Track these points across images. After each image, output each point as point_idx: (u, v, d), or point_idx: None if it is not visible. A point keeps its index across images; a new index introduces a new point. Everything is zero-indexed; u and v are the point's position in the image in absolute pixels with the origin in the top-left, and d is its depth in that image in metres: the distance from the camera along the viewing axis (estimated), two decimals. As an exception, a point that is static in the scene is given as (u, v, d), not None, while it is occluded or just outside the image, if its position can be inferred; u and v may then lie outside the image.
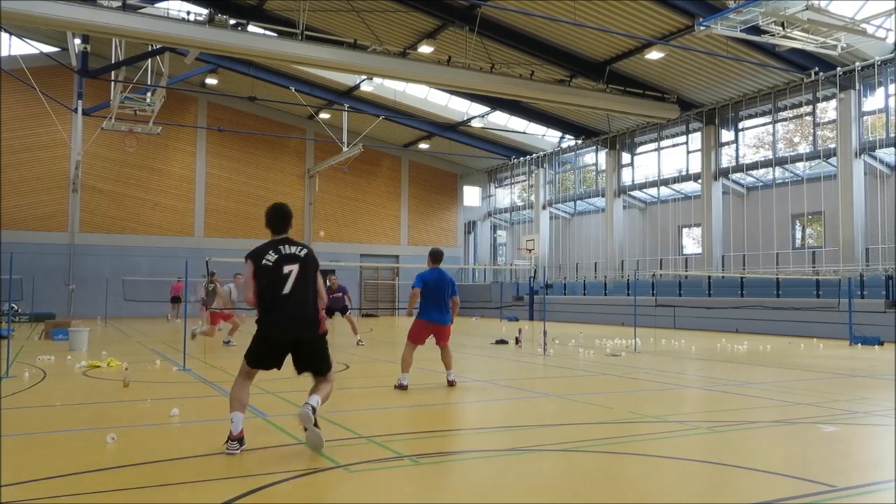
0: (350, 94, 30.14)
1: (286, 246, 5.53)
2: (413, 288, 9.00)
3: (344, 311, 15.87)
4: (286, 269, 5.41)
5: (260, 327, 5.40)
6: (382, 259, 36.13)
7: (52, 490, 4.30)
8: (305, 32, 18.25)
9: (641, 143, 29.54)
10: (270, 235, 5.66)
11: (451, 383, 8.93)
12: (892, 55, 19.97)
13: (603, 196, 30.73)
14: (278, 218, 5.66)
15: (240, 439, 5.21)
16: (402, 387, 8.57)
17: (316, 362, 5.51)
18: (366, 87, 28.79)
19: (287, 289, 5.36)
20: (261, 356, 5.45)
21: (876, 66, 20.36)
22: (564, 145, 33.16)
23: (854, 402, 7.85)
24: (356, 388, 9.30)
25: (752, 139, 25.73)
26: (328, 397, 5.48)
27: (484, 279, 38.58)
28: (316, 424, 5.17)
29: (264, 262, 5.40)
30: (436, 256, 9.22)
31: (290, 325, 5.35)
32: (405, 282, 34.73)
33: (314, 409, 5.19)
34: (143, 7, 18.09)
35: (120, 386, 8.62)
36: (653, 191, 28.99)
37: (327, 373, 5.53)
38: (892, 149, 20.56)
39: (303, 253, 5.57)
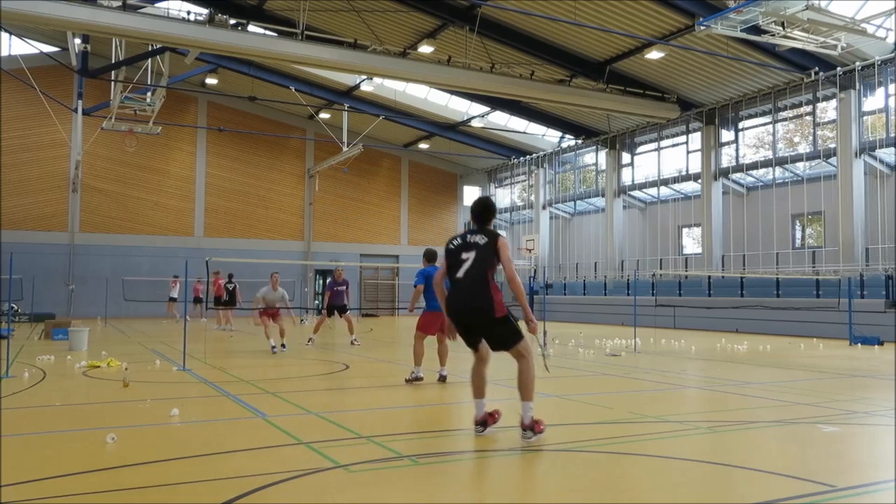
0: (350, 93, 30.14)
1: (471, 235, 5.81)
2: (415, 286, 9.13)
3: (343, 309, 15.81)
4: (464, 255, 5.70)
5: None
6: (382, 259, 36.13)
7: (52, 490, 4.30)
8: (305, 32, 18.26)
9: (641, 143, 29.54)
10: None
11: (442, 378, 9.00)
12: (892, 55, 19.97)
13: (603, 196, 30.73)
14: (476, 210, 6.04)
15: (483, 423, 5.79)
16: (417, 379, 8.74)
17: (494, 343, 5.76)
18: (366, 87, 28.79)
19: (461, 273, 5.66)
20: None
21: (876, 66, 20.36)
22: (564, 145, 33.16)
23: (854, 402, 7.85)
24: (356, 388, 9.30)
25: (752, 139, 25.73)
26: (530, 384, 5.67)
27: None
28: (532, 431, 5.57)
29: (449, 245, 5.87)
30: (430, 256, 9.42)
31: (459, 309, 5.71)
32: (405, 282, 34.72)
33: (525, 427, 5.57)
34: (143, 7, 18.09)
35: (120, 386, 8.62)
36: (653, 191, 28.99)
37: (511, 349, 5.69)
38: (892, 149, 20.56)
39: (483, 241, 5.72)
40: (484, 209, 6.00)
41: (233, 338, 17.86)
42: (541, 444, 5.78)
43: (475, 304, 5.61)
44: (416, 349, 9.07)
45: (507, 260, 5.68)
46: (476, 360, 5.98)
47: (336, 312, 15.86)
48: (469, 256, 5.67)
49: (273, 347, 14.02)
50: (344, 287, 15.83)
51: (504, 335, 5.68)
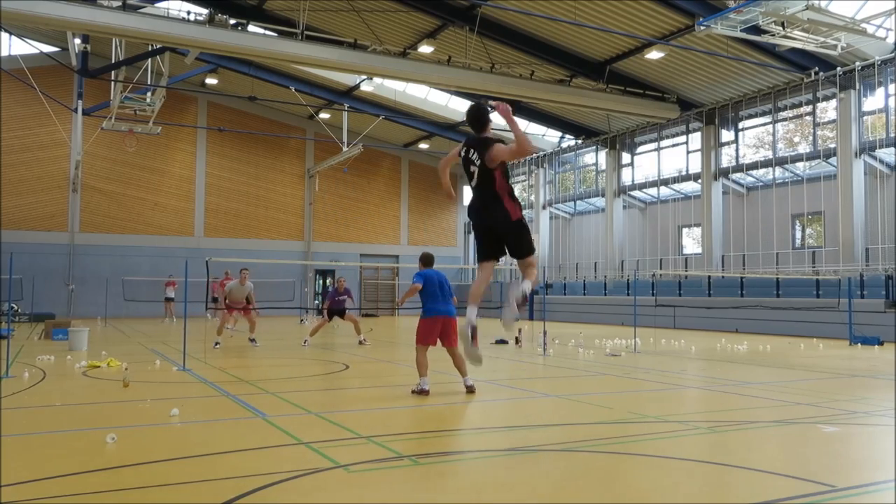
0: (350, 93, 30.14)
1: (472, 150, 5.91)
2: (413, 283, 8.73)
3: (342, 313, 15.86)
4: (471, 168, 5.83)
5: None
6: (382, 259, 36.13)
7: (52, 490, 4.30)
8: (305, 32, 18.26)
9: (641, 143, 29.54)
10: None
11: (469, 389, 8.32)
12: (892, 55, 19.96)
13: (603, 196, 30.73)
14: (468, 119, 6.09)
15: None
16: (423, 391, 8.14)
17: (513, 248, 5.77)
18: (366, 87, 28.79)
19: (473, 183, 5.81)
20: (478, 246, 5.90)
21: (876, 66, 20.36)
22: (564, 145, 33.16)
23: (854, 402, 7.85)
24: (356, 388, 9.30)
25: (752, 139, 25.73)
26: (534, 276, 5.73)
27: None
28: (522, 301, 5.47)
29: (461, 153, 5.93)
30: (426, 260, 9.04)
31: (478, 211, 5.79)
32: (405, 282, 34.73)
33: (525, 293, 5.46)
34: (143, 7, 18.09)
35: (120, 386, 8.62)
36: (653, 191, 28.98)
37: (526, 257, 5.72)
38: (892, 149, 20.56)
39: (478, 161, 5.83)
40: (474, 120, 6.08)
41: (233, 338, 17.86)
42: (541, 444, 5.78)
43: (493, 216, 5.73)
44: (418, 361, 8.45)
45: (506, 150, 5.86)
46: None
47: (337, 316, 15.92)
48: (475, 170, 5.83)
49: (216, 343, 14.14)
50: (345, 297, 15.82)
51: (521, 238, 5.77)
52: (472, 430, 6.65)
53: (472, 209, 5.83)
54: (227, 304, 15.60)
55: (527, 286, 5.58)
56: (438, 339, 8.58)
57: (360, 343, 15.54)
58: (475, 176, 5.80)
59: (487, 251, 5.75)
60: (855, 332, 16.84)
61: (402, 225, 37.22)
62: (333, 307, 15.80)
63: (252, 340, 15.25)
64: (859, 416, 7.00)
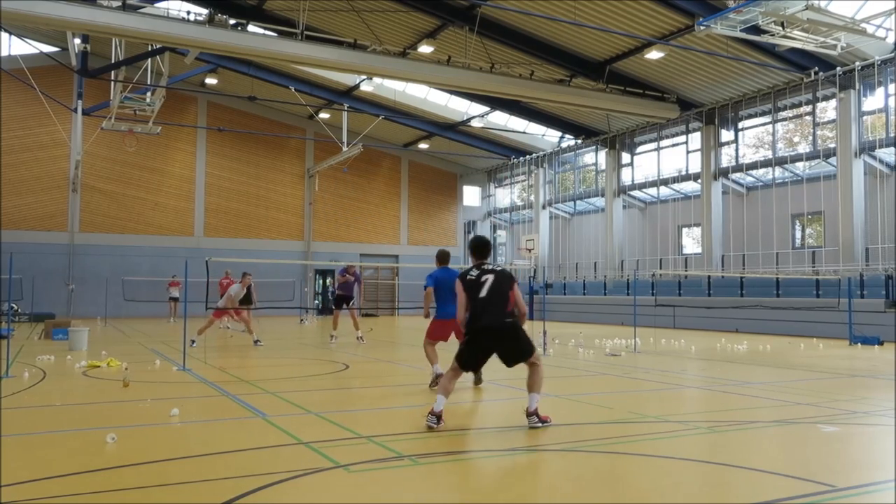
0: (350, 93, 30.14)
1: (484, 266, 6.64)
2: (425, 287, 8.86)
3: (349, 300, 15.81)
4: (482, 278, 6.46)
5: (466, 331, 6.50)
6: (382, 259, 36.13)
7: (52, 490, 4.30)
8: (305, 32, 18.25)
9: (641, 143, 29.55)
10: (473, 260, 6.80)
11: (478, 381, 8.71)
12: (892, 55, 19.97)
13: (603, 196, 30.73)
14: (478, 246, 6.88)
15: (438, 415, 6.16)
16: (438, 376, 8.33)
17: (515, 354, 6.42)
18: (366, 87, 28.79)
19: (483, 293, 6.38)
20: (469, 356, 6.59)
21: (876, 66, 20.36)
22: (564, 145, 33.16)
23: (854, 402, 7.85)
24: (356, 388, 9.30)
25: (751, 139, 25.73)
26: (541, 381, 6.38)
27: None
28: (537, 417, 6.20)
29: (467, 277, 6.52)
30: (442, 258, 9.16)
31: (489, 324, 6.35)
32: (405, 282, 34.75)
33: (530, 413, 6.22)
34: (143, 7, 18.08)
35: (120, 386, 8.62)
36: (652, 191, 28.99)
37: (528, 359, 6.39)
38: (892, 149, 20.56)
39: (498, 269, 6.59)
40: (483, 245, 6.86)
41: (233, 338, 17.86)
42: (541, 443, 5.78)
43: (504, 317, 6.33)
44: (427, 352, 8.77)
45: (518, 294, 6.53)
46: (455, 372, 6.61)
47: (344, 304, 15.89)
48: (488, 278, 6.42)
49: (193, 342, 14.14)
50: (353, 279, 15.80)
51: (524, 347, 6.39)
52: (472, 430, 6.65)
53: (487, 317, 6.36)
54: (224, 309, 15.61)
55: (535, 399, 6.28)
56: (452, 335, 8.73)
57: (358, 339, 15.55)
58: (488, 283, 6.43)
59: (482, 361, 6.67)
60: (855, 332, 16.84)
61: (401, 225, 37.22)
62: (342, 289, 15.77)
63: (256, 342, 15.15)
64: (859, 416, 7.01)
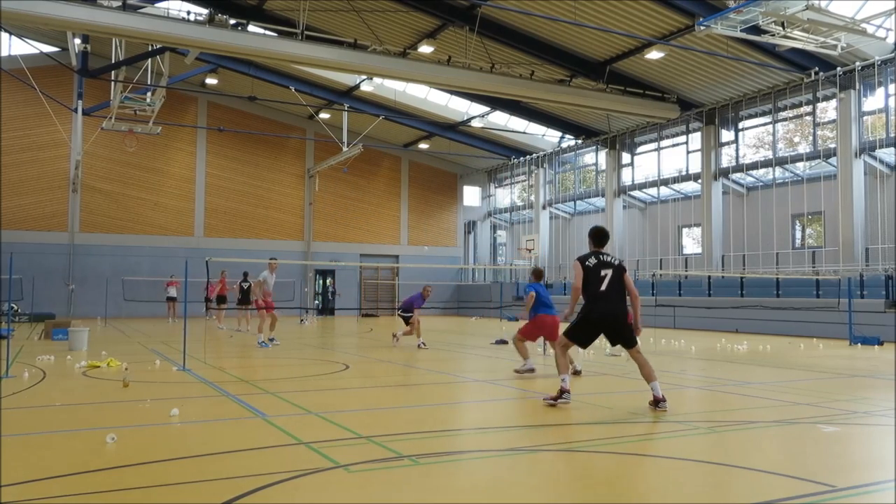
0: (350, 93, 30.14)
1: (603, 256, 7.35)
2: (527, 292, 10.66)
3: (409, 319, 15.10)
4: (602, 272, 7.18)
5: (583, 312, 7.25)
6: (382, 259, 36.13)
7: (52, 490, 4.30)
8: (305, 32, 18.25)
9: (641, 143, 29.55)
10: (592, 247, 7.45)
11: (576, 373, 9.93)
12: (892, 55, 19.96)
13: (603, 196, 30.73)
14: (600, 235, 7.50)
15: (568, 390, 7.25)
16: (530, 370, 10.28)
17: (625, 341, 7.30)
18: (366, 87, 28.78)
19: (604, 287, 7.14)
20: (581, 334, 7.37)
21: (876, 66, 20.36)
22: (564, 145, 33.16)
23: (854, 402, 7.85)
24: (356, 388, 9.30)
25: (752, 139, 25.73)
26: (651, 369, 7.26)
27: (484, 279, 38.58)
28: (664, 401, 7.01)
29: (587, 263, 7.23)
30: (539, 274, 11.10)
31: (606, 313, 7.17)
32: (405, 282, 34.73)
33: (664, 402, 7.01)
34: (143, 7, 18.09)
35: (120, 386, 8.62)
36: (653, 191, 28.99)
37: (633, 347, 7.28)
38: (892, 149, 20.56)
39: (616, 262, 7.34)
40: (605, 235, 7.49)
41: (233, 338, 17.86)
42: (541, 443, 5.78)
43: (620, 310, 7.17)
44: (519, 347, 10.67)
45: (631, 283, 7.34)
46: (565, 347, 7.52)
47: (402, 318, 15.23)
48: (608, 273, 7.14)
49: (262, 342, 14.08)
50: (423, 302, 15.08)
51: (631, 336, 7.25)
52: (472, 430, 6.65)
53: (605, 308, 7.18)
54: (264, 301, 15.29)
55: (657, 387, 7.15)
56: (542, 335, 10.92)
57: (419, 347, 14.67)
58: (608, 278, 7.19)
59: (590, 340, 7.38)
60: (855, 332, 16.84)
61: (402, 225, 37.21)
62: (407, 310, 15.03)
63: (271, 339, 15.04)
64: (859, 416, 7.00)
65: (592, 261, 7.19)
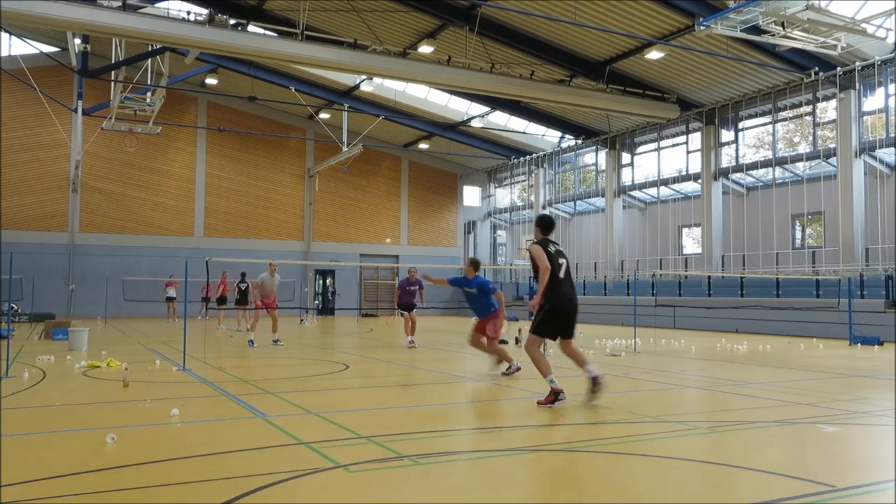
0: (350, 94, 30.14)
1: (557, 245, 7.55)
2: (496, 291, 10.46)
3: (412, 308, 15.45)
4: (560, 260, 7.34)
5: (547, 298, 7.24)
6: (382, 259, 36.13)
7: (52, 490, 4.30)
8: (305, 32, 18.25)
9: (641, 143, 29.54)
10: (541, 235, 7.49)
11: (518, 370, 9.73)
12: (892, 55, 19.96)
13: (603, 196, 30.73)
14: (549, 224, 7.67)
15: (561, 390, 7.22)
16: (516, 370, 9.94)
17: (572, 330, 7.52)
18: (366, 87, 28.78)
19: (562, 274, 7.32)
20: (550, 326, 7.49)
21: (876, 66, 20.36)
22: (564, 145, 33.16)
23: (854, 402, 7.85)
24: (356, 388, 9.30)
25: (752, 139, 25.73)
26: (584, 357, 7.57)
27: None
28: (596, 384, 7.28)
29: (548, 249, 7.30)
30: (477, 265, 10.56)
31: (570, 300, 7.37)
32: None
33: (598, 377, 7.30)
34: (143, 7, 18.10)
35: (120, 386, 8.62)
36: (653, 191, 28.98)
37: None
38: (892, 149, 20.56)
39: (564, 252, 7.60)
40: (553, 223, 7.69)
41: (233, 338, 17.87)
42: (541, 443, 5.78)
43: (575, 300, 7.43)
44: (499, 351, 10.24)
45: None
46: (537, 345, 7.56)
47: (405, 311, 15.44)
48: (563, 262, 7.37)
49: (275, 341, 14.08)
50: (416, 287, 15.46)
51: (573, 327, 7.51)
52: (472, 430, 6.65)
53: (569, 296, 7.32)
54: (263, 302, 15.35)
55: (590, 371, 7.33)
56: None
57: (409, 345, 14.87)
58: (564, 267, 7.36)
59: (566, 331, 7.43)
60: (855, 332, 16.83)
61: (402, 225, 37.21)
62: (405, 298, 15.41)
63: (276, 341, 15.07)
64: (859, 416, 7.00)
65: (552, 248, 7.29)
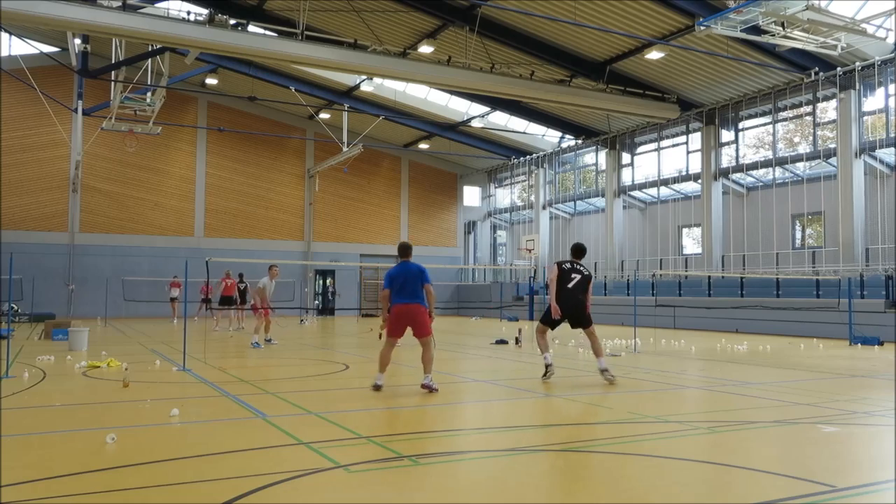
0: (350, 94, 30.14)
1: (577, 265, 9.63)
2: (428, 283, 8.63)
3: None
4: (573, 275, 9.43)
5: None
6: (382, 259, 36.12)
7: (52, 490, 4.30)
8: (305, 32, 18.25)
9: (641, 143, 29.55)
10: (570, 257, 9.79)
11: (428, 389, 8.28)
12: (892, 55, 19.96)
13: (603, 196, 30.73)
14: (581, 249, 9.89)
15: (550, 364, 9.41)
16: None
17: (584, 322, 9.49)
18: (366, 87, 28.79)
19: (571, 285, 9.38)
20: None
21: (876, 66, 20.36)
22: (564, 145, 33.16)
23: (854, 402, 7.85)
24: (356, 388, 9.30)
25: (752, 139, 25.73)
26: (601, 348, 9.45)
27: (484, 279, 38.59)
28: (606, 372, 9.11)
29: (563, 266, 9.53)
30: (402, 251, 8.95)
31: (572, 303, 9.38)
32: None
33: (608, 372, 9.15)
34: (143, 7, 18.09)
35: (120, 386, 8.62)
36: (653, 191, 28.99)
37: (589, 327, 9.47)
38: (892, 149, 20.56)
39: (586, 273, 9.52)
40: (583, 251, 9.82)
41: (233, 338, 17.86)
42: (541, 443, 5.78)
43: (581, 302, 9.35)
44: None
45: (591, 288, 9.68)
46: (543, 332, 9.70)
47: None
48: (576, 277, 9.40)
49: (267, 341, 14.06)
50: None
51: (588, 320, 9.45)
52: (472, 430, 6.65)
53: (571, 300, 9.37)
54: (262, 305, 15.39)
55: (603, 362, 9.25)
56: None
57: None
58: (575, 280, 9.44)
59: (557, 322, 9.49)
60: (855, 332, 16.84)
61: (402, 225, 37.21)
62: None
63: (268, 340, 15.29)
64: (859, 416, 7.00)
65: (567, 266, 9.50)
